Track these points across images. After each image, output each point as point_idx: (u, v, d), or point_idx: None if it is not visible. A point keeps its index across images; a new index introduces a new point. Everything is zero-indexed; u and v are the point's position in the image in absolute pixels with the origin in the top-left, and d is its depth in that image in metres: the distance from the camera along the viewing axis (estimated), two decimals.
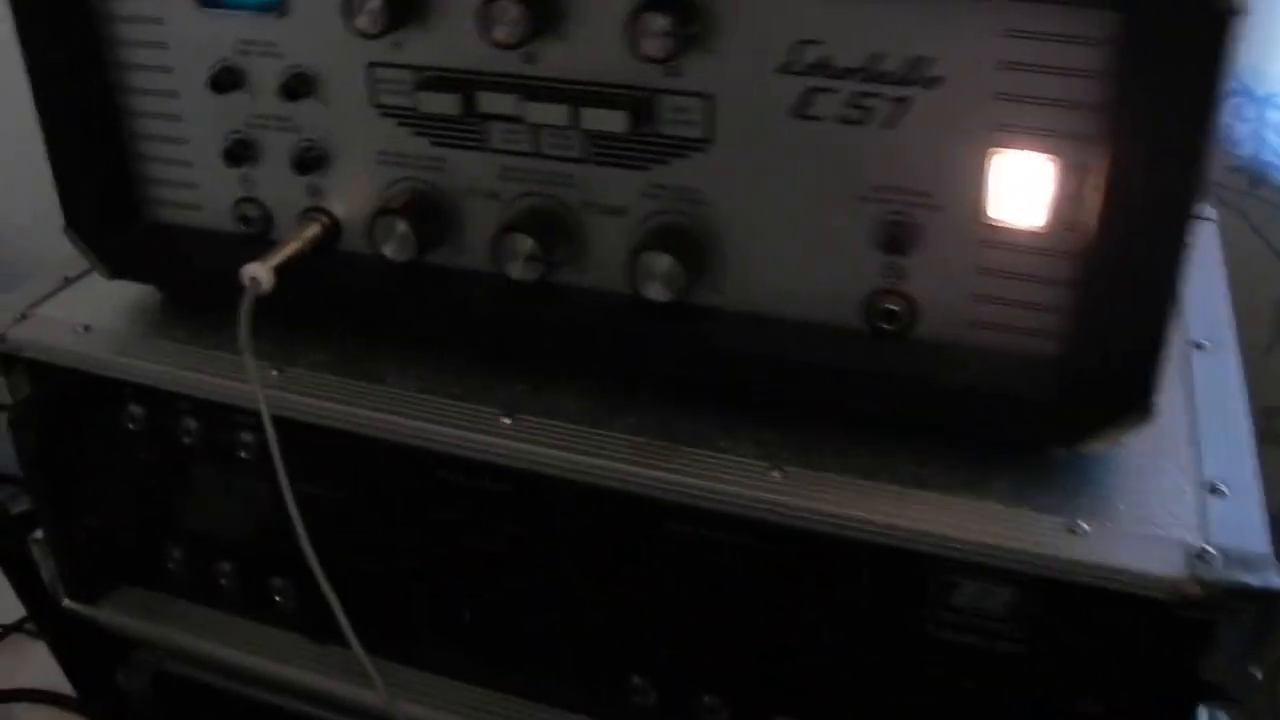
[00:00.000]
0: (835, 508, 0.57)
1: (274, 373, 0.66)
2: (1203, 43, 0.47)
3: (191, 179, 0.68)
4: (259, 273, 0.60)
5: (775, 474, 0.59)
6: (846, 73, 0.54)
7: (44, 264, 0.77)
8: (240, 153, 0.66)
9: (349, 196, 0.65)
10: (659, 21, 0.53)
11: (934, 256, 0.56)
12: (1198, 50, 0.47)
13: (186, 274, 0.70)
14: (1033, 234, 0.55)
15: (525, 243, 0.59)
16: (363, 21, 0.57)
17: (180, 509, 0.74)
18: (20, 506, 0.81)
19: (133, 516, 0.76)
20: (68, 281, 0.76)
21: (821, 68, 0.54)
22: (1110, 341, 0.54)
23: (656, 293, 0.58)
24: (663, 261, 0.58)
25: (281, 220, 0.67)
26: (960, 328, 0.57)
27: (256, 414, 0.61)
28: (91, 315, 0.72)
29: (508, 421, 0.62)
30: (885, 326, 0.58)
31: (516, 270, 0.60)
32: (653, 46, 0.53)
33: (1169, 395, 0.57)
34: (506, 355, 0.65)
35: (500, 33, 0.55)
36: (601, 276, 0.61)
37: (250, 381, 0.61)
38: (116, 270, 0.71)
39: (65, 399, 0.73)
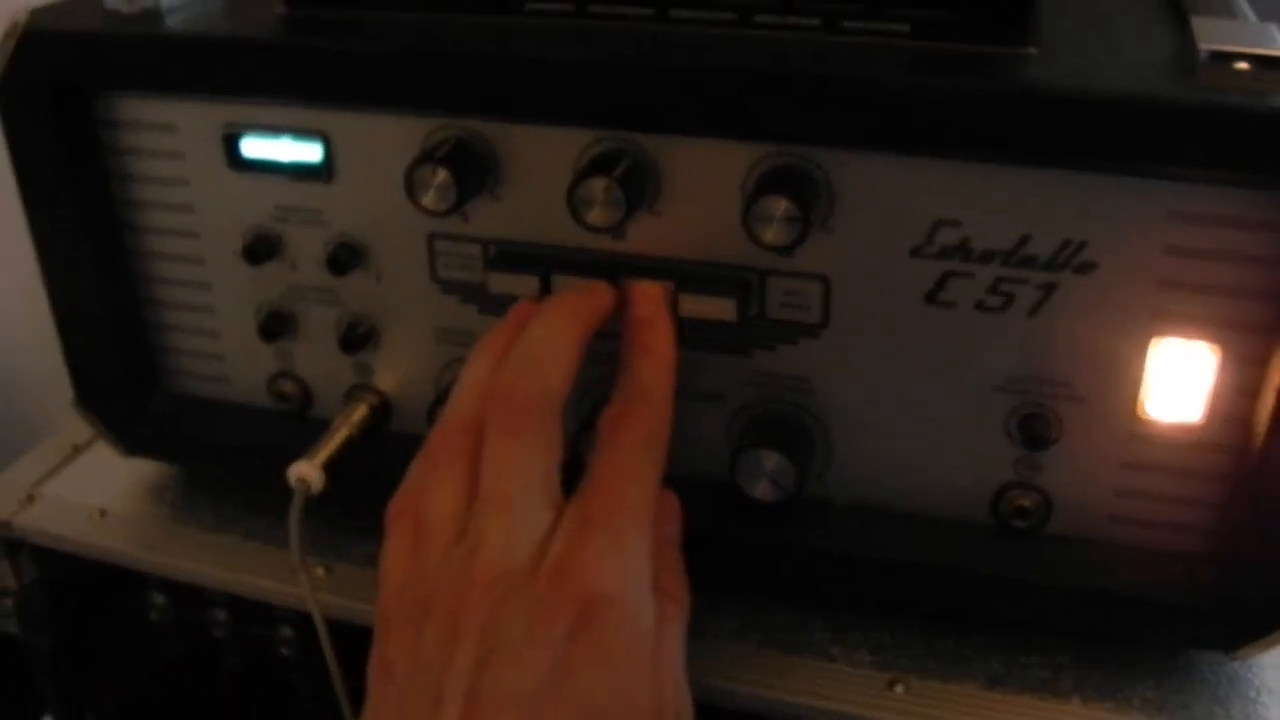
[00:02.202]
0: None
1: (321, 571, 0.56)
2: None
3: (218, 351, 0.59)
4: (308, 473, 0.51)
5: (898, 688, 0.50)
6: (987, 256, 0.46)
7: (57, 422, 0.66)
8: (276, 327, 0.56)
9: (402, 375, 0.56)
10: (780, 206, 0.44)
11: (1074, 450, 0.48)
12: None
13: (211, 452, 0.60)
14: (1187, 427, 0.47)
15: None
16: (429, 199, 0.48)
17: (206, 706, 0.64)
18: None
19: (156, 713, 0.66)
20: (76, 451, 0.66)
21: (959, 251, 0.46)
22: (1276, 543, 0.46)
23: (764, 492, 0.50)
24: (771, 459, 0.49)
25: (323, 397, 0.58)
26: (1100, 524, 0.50)
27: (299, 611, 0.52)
28: (107, 495, 0.62)
29: None
30: (1017, 523, 0.50)
31: None
32: (773, 234, 0.44)
33: None
34: None
35: (596, 215, 0.46)
36: (695, 467, 0.53)
37: (301, 589, 0.51)
38: (133, 448, 0.61)
39: (77, 584, 0.63)
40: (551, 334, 0.46)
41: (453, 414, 0.45)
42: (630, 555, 0.41)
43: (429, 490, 0.44)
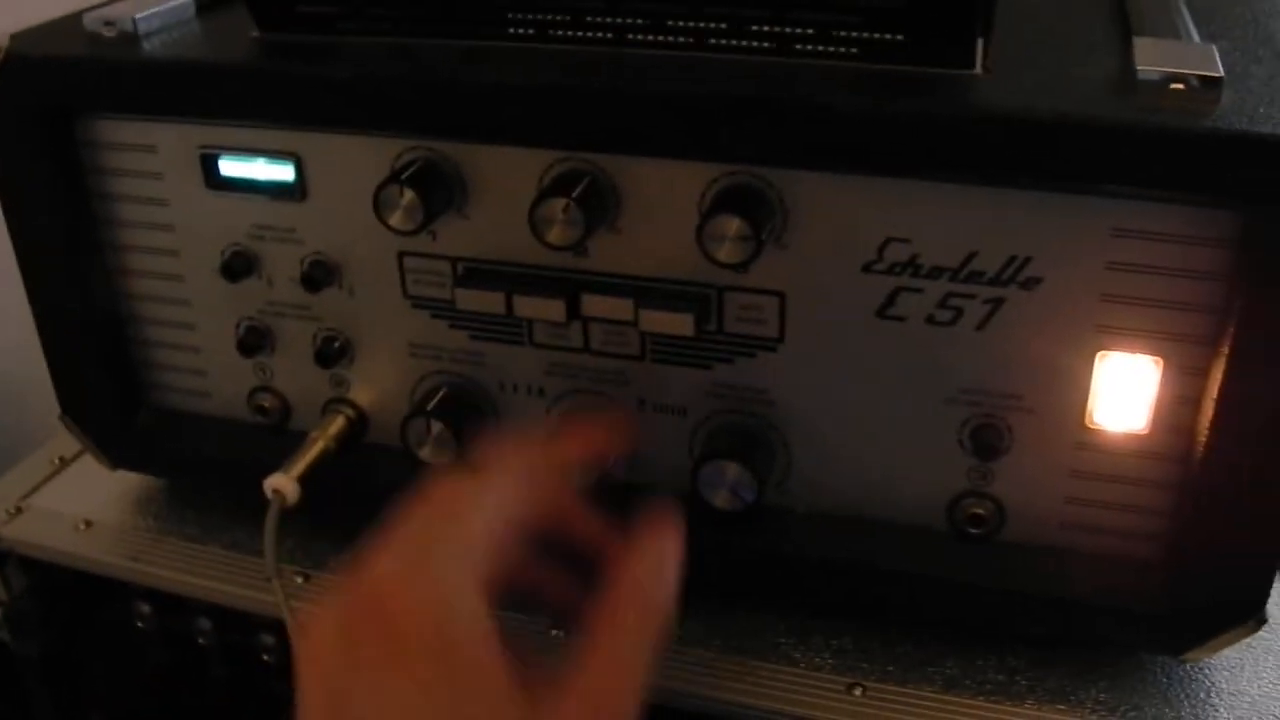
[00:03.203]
0: None
1: (299, 579, 0.57)
2: None
3: (200, 366, 0.60)
4: (284, 485, 0.52)
5: (856, 691, 0.51)
6: (936, 272, 0.47)
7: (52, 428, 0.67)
8: (254, 342, 0.57)
9: (377, 389, 0.57)
10: (733, 225, 0.45)
11: (1025, 459, 0.49)
12: None
13: (194, 464, 0.61)
14: (1133, 437, 0.48)
15: None
16: (397, 219, 0.49)
17: (194, 713, 0.65)
18: None
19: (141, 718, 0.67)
20: (63, 463, 0.67)
21: (909, 267, 0.47)
22: (1221, 548, 0.47)
23: (725, 501, 0.51)
24: (730, 470, 0.50)
25: (301, 410, 0.59)
26: (1052, 531, 0.50)
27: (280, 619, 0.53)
28: (92, 507, 0.63)
29: (559, 634, 0.54)
30: (972, 530, 0.51)
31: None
32: (726, 252, 0.45)
33: None
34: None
35: (556, 234, 0.47)
36: (658, 476, 0.54)
37: (277, 599, 0.52)
38: (117, 461, 0.62)
39: (66, 594, 0.64)
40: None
41: None
42: (435, 571, 0.39)
43: None
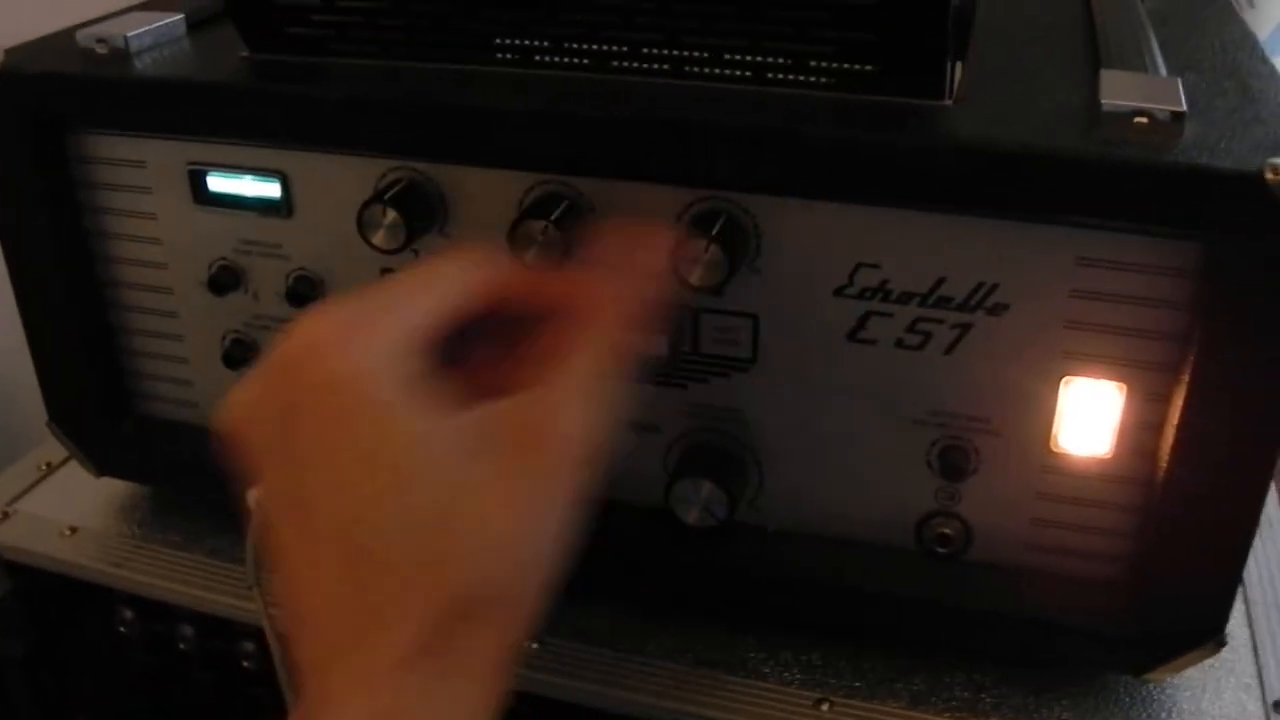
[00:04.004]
0: None
1: None
2: None
3: (187, 376, 0.60)
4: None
5: (824, 706, 0.52)
6: (905, 297, 0.48)
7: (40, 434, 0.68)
8: (240, 354, 0.58)
9: None
10: (706, 249, 0.46)
11: (991, 481, 0.50)
12: None
13: (179, 473, 0.62)
14: (1097, 460, 0.49)
15: None
16: (380, 238, 0.50)
17: (175, 715, 0.66)
18: None
19: None
20: (50, 469, 0.67)
21: (879, 292, 0.48)
22: (1183, 571, 0.48)
23: (697, 519, 0.51)
24: (703, 487, 0.51)
25: None
26: (1018, 551, 0.51)
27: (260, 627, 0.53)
28: (77, 513, 0.64)
29: (535, 647, 0.55)
30: (940, 550, 0.52)
31: None
32: (700, 275, 0.46)
33: None
34: None
35: (535, 255, 0.48)
36: (633, 493, 0.54)
37: (258, 608, 0.53)
38: (104, 468, 0.62)
39: (51, 597, 0.64)
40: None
41: None
42: (357, 316, 0.37)
43: None
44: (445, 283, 0.40)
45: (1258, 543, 0.62)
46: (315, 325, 0.37)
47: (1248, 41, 0.57)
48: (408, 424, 0.36)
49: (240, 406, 0.38)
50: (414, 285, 0.40)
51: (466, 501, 0.35)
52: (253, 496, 0.51)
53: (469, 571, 0.35)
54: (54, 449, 0.66)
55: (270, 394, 0.37)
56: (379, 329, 0.37)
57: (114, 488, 0.64)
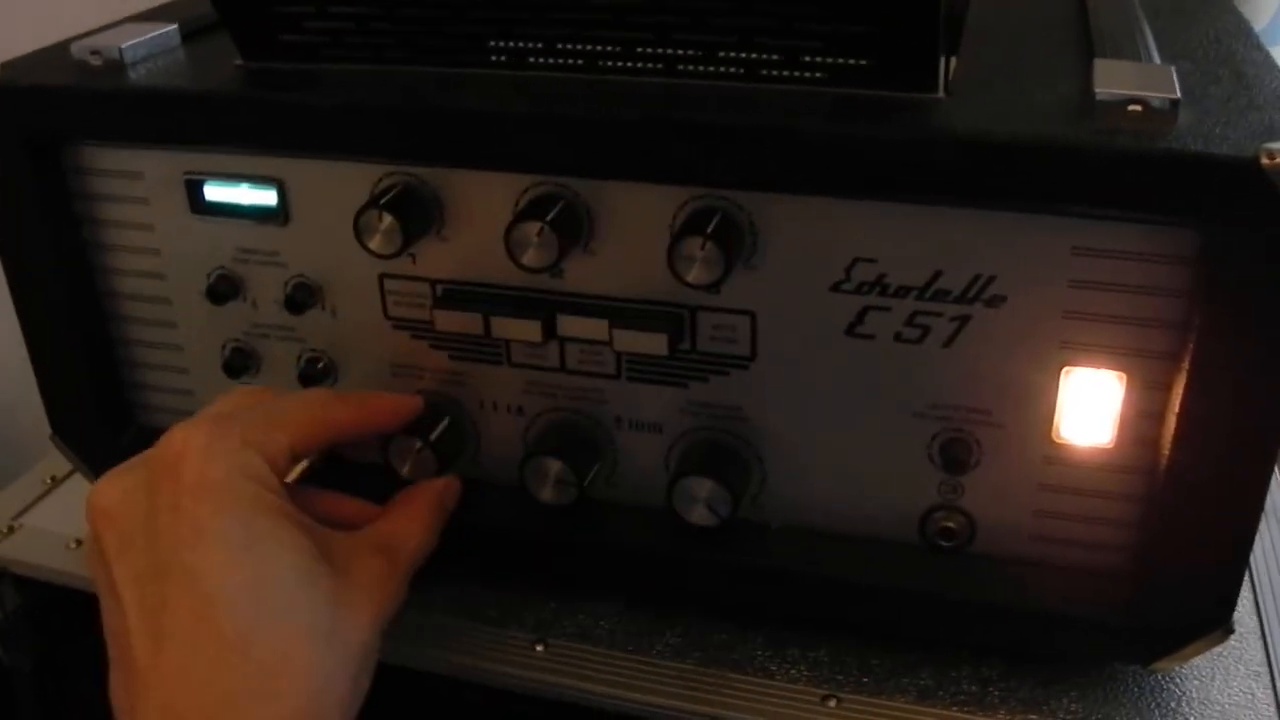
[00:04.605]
0: None
1: None
2: None
3: (187, 385, 0.60)
4: None
5: (831, 703, 0.52)
6: (903, 291, 0.47)
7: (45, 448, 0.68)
8: (240, 363, 0.58)
9: None
10: (702, 247, 0.46)
11: (993, 473, 0.50)
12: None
13: None
14: (1099, 450, 0.48)
15: (554, 466, 0.52)
16: (376, 243, 0.50)
17: None
18: None
19: None
20: (55, 483, 0.67)
21: (876, 286, 0.47)
22: (1188, 559, 0.48)
23: (700, 517, 0.51)
24: (705, 486, 0.51)
25: None
26: (1022, 543, 0.51)
27: None
28: (83, 526, 0.63)
29: (540, 649, 0.54)
30: (944, 543, 0.51)
31: (546, 494, 0.53)
32: (696, 273, 0.46)
33: None
34: (534, 575, 0.58)
35: (531, 257, 0.48)
36: (636, 493, 0.54)
37: None
38: None
39: (59, 610, 0.64)
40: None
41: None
42: (228, 430, 0.46)
43: None
44: (307, 401, 0.50)
45: (1265, 529, 0.62)
46: (188, 433, 0.45)
47: (1243, 30, 0.57)
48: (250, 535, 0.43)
49: (114, 492, 0.45)
50: (283, 394, 0.50)
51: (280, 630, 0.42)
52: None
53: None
54: (59, 462, 0.66)
55: (144, 486, 0.45)
56: (241, 441, 0.45)
57: None
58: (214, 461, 0.44)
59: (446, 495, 0.52)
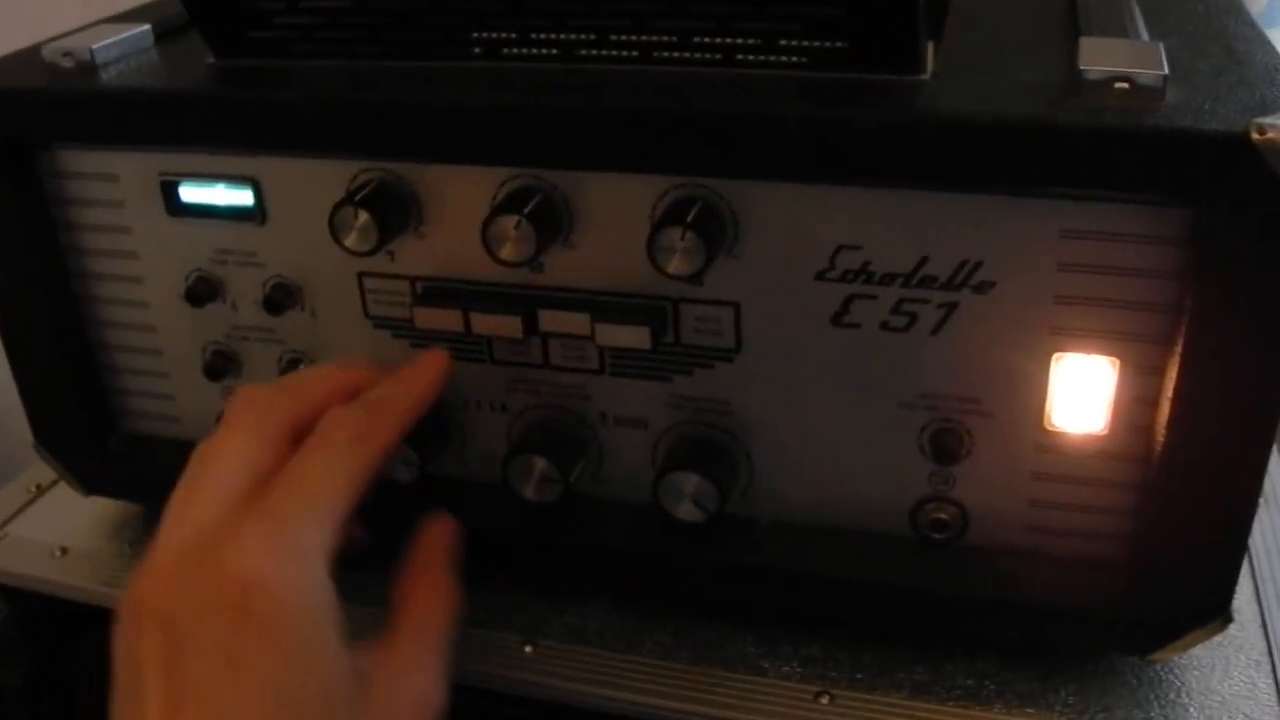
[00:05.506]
0: None
1: None
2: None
3: (169, 390, 0.59)
4: None
5: (824, 699, 0.50)
6: (888, 278, 0.46)
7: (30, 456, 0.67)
8: (221, 366, 0.56)
9: None
10: (681, 237, 0.44)
11: (985, 463, 0.48)
12: (1277, 246, 0.40)
13: (167, 489, 0.60)
14: (1093, 438, 0.47)
15: (539, 463, 0.51)
16: (352, 240, 0.49)
17: None
18: None
19: None
20: (40, 491, 0.66)
21: (861, 274, 0.46)
22: (1185, 547, 0.46)
23: (687, 513, 0.50)
24: (692, 481, 0.49)
25: None
26: (1016, 534, 0.50)
27: None
28: (68, 534, 0.62)
29: (528, 650, 0.53)
30: (936, 536, 0.50)
31: (531, 492, 0.51)
32: (677, 264, 0.45)
33: None
34: (520, 574, 0.56)
35: (509, 251, 0.46)
36: (623, 489, 0.53)
37: None
38: (91, 487, 0.61)
39: (48, 619, 0.63)
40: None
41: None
42: (290, 541, 0.41)
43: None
44: (347, 470, 0.44)
45: (1265, 515, 0.61)
46: (256, 558, 0.40)
47: (1233, 6, 0.55)
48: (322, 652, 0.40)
49: (167, 584, 0.41)
50: (324, 473, 0.44)
51: None
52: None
53: None
54: (44, 471, 0.65)
55: (210, 609, 0.40)
56: (306, 543, 0.41)
57: (104, 507, 0.63)
58: (292, 596, 0.40)
59: (453, 540, 0.50)
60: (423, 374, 0.49)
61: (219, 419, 0.47)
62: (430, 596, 0.47)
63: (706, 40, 0.46)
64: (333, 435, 0.44)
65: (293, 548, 0.41)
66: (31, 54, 0.55)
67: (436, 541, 0.49)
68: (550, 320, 0.49)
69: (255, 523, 0.41)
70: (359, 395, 0.47)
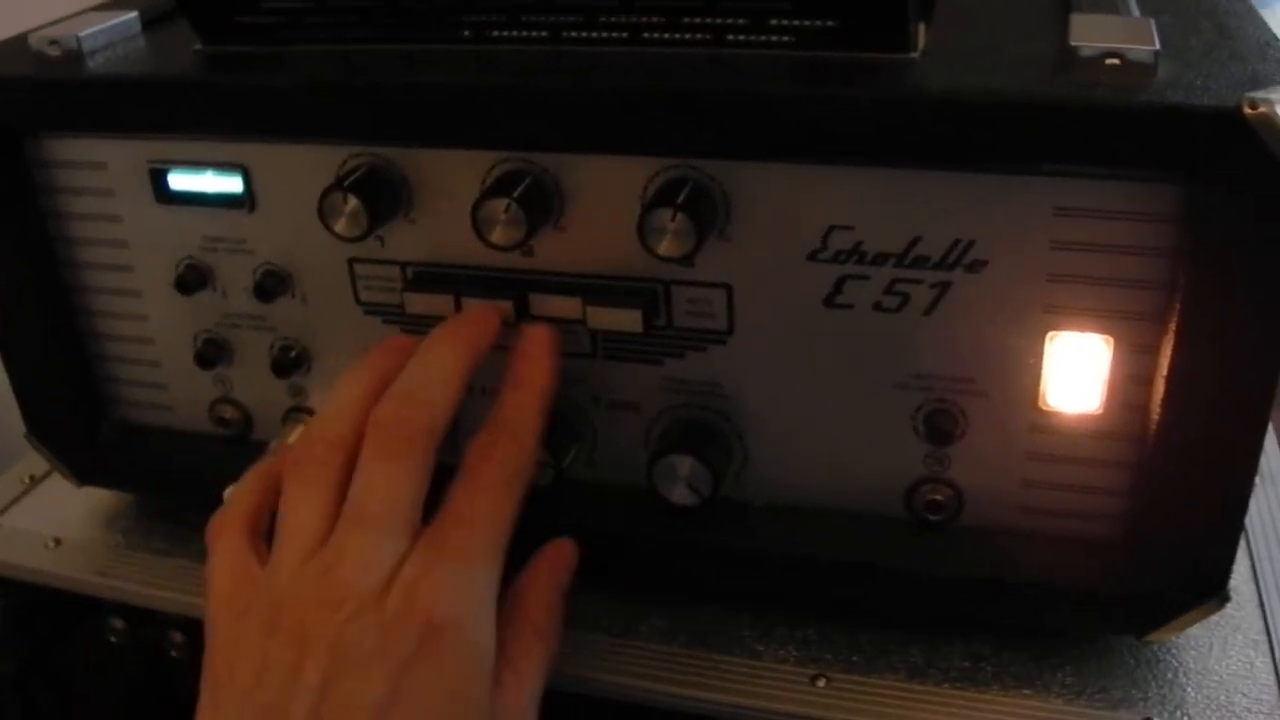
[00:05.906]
0: None
1: None
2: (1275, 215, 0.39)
3: (161, 379, 0.59)
4: None
5: (820, 682, 0.50)
6: (881, 258, 0.46)
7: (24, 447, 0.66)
8: (212, 355, 0.56)
9: None
10: (671, 219, 0.44)
11: (980, 443, 0.48)
12: (1271, 222, 0.39)
13: (161, 478, 0.60)
14: (1088, 417, 0.47)
15: None
16: (341, 226, 0.48)
17: None
18: None
19: None
20: (34, 482, 0.66)
21: (853, 254, 0.46)
22: (1181, 526, 0.46)
23: (681, 496, 0.50)
24: (685, 464, 0.49)
25: (262, 420, 0.58)
26: (1012, 515, 0.49)
27: None
28: (61, 525, 0.62)
29: None
30: (931, 517, 0.50)
31: None
32: (667, 246, 0.44)
33: None
34: (513, 559, 0.56)
35: (499, 234, 0.46)
36: (616, 473, 0.53)
37: None
38: (84, 477, 0.61)
39: (41, 610, 0.63)
40: (438, 366, 0.46)
41: (322, 430, 0.45)
42: (477, 584, 0.42)
43: (293, 498, 0.44)
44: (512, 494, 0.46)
45: (1262, 494, 0.60)
46: (449, 597, 0.41)
47: None
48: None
49: (339, 614, 0.41)
50: (493, 513, 0.45)
51: None
52: (229, 494, 0.49)
53: None
54: (37, 462, 0.65)
55: (380, 620, 0.41)
56: (486, 582, 0.43)
57: (97, 497, 0.63)
58: (475, 636, 0.42)
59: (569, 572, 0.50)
60: (540, 371, 0.48)
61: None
62: (538, 642, 0.47)
63: (695, 20, 0.46)
64: (485, 471, 0.45)
65: (479, 589, 0.42)
66: (19, 42, 0.55)
67: (553, 579, 0.49)
68: (541, 304, 0.49)
69: (447, 564, 0.42)
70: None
